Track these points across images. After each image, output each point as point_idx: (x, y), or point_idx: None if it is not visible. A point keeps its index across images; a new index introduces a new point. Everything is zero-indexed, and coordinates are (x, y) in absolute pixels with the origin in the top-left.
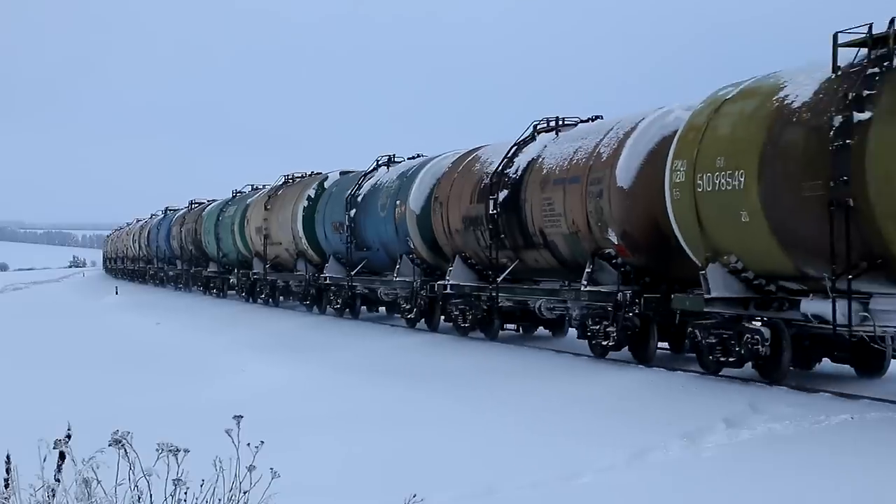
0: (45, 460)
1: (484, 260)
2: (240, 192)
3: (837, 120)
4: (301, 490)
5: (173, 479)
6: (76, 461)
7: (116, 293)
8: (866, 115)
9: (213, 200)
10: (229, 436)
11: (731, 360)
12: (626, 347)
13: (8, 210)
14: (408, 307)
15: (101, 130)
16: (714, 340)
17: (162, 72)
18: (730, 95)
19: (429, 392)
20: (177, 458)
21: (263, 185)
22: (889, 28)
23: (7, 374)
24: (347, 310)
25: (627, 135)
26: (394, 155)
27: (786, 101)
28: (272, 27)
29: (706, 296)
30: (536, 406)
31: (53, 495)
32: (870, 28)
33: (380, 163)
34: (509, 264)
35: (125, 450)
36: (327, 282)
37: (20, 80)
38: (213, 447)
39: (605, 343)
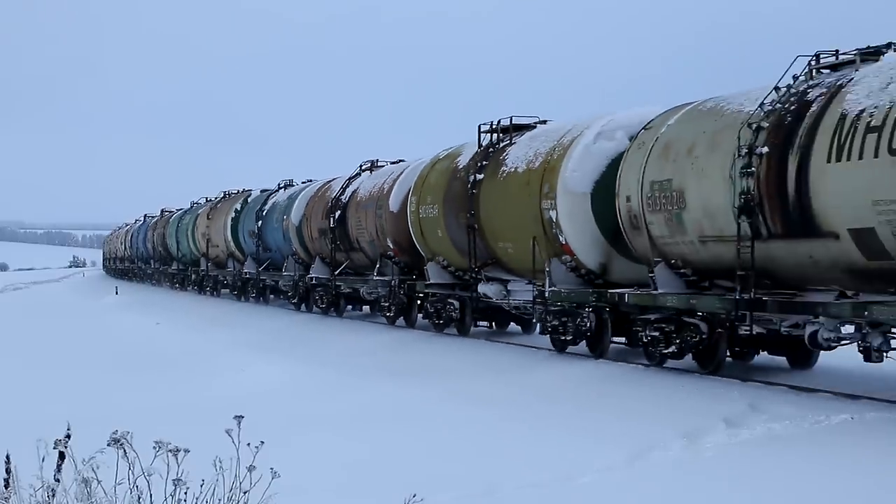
0: (44, 460)
1: (330, 260)
2: (196, 202)
3: (472, 178)
4: (301, 490)
5: (173, 479)
6: (76, 461)
7: (116, 293)
8: (481, 175)
9: (181, 209)
10: (229, 436)
11: (440, 322)
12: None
13: (8, 210)
14: (292, 294)
15: (102, 130)
16: (437, 308)
17: (162, 71)
18: (441, 156)
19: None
20: (177, 458)
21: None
22: (508, 123)
23: (7, 374)
24: (261, 297)
25: (397, 178)
26: (377, 160)
27: (458, 164)
28: (272, 27)
29: (427, 281)
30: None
31: (53, 495)
32: (498, 122)
33: (362, 166)
34: (344, 261)
35: (125, 450)
36: (247, 276)
37: (20, 80)
38: (213, 447)
39: (389, 314)
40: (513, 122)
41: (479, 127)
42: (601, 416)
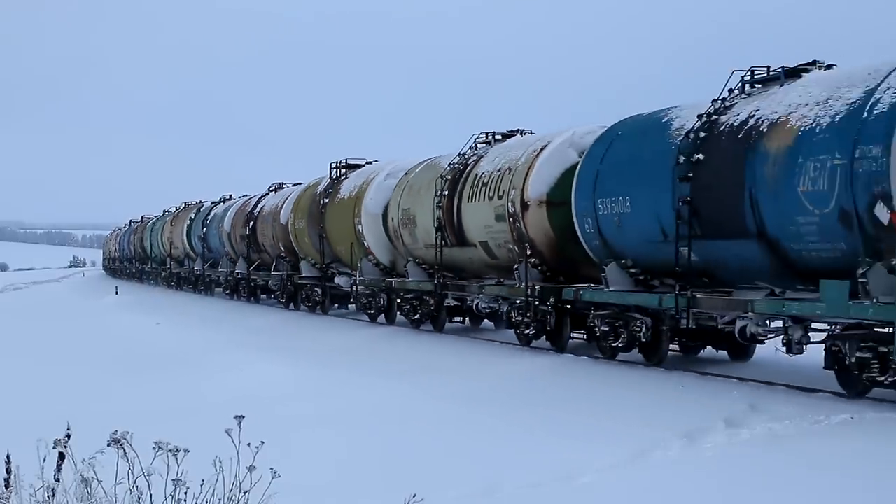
0: (44, 460)
1: (247, 259)
2: (167, 211)
3: (322, 201)
4: (301, 490)
5: (173, 479)
6: (76, 461)
7: (116, 293)
8: (327, 200)
9: (160, 214)
10: (229, 436)
11: (310, 305)
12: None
13: (8, 210)
14: (225, 286)
15: (102, 130)
16: (309, 294)
17: (162, 71)
18: (311, 185)
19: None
20: (176, 458)
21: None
22: (345, 163)
23: (8, 374)
24: (207, 290)
25: (287, 198)
26: (281, 183)
27: (317, 191)
28: (271, 26)
29: (300, 275)
30: None
31: (53, 495)
32: (341, 161)
33: (270, 187)
34: (256, 260)
35: (125, 450)
36: (197, 272)
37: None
38: (213, 447)
39: (282, 300)
40: (348, 163)
41: (331, 164)
42: (601, 415)
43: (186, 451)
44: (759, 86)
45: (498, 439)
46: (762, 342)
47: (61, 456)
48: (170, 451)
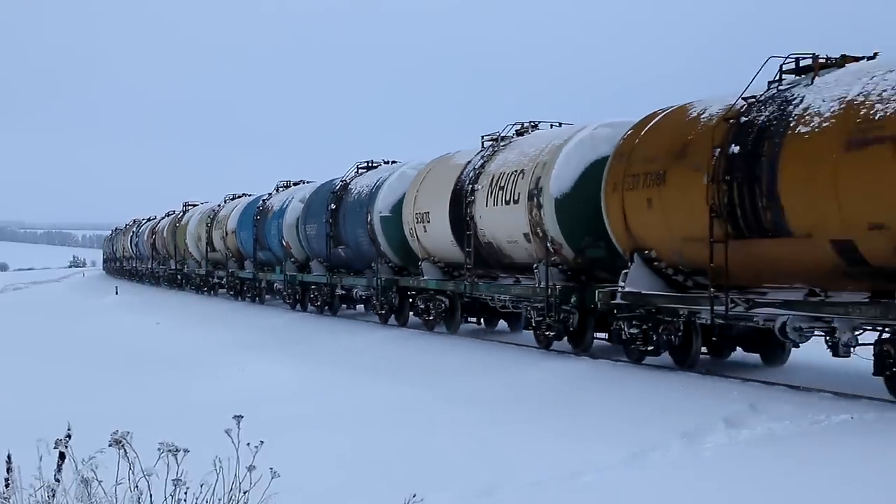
0: (44, 460)
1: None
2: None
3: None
4: (301, 490)
5: (173, 480)
6: (76, 461)
7: (116, 293)
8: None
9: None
10: (229, 436)
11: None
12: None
13: (8, 210)
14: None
15: (102, 130)
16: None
17: (161, 71)
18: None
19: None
20: (176, 458)
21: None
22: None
23: (8, 374)
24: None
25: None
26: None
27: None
28: (271, 25)
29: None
30: None
31: (53, 495)
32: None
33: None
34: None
35: (125, 450)
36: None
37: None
38: (214, 447)
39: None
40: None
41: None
42: (601, 415)
43: (186, 451)
44: None
45: (497, 439)
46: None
47: (61, 456)
48: (170, 451)
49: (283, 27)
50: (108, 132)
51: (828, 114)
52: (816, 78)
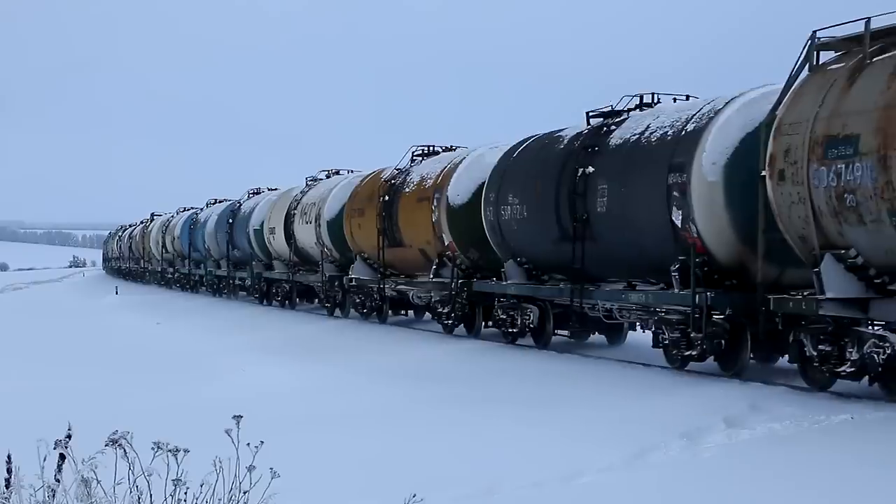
0: (45, 460)
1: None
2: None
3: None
4: (301, 490)
5: (173, 480)
6: (76, 461)
7: (116, 293)
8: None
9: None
10: (229, 436)
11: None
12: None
13: (8, 210)
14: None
15: (102, 130)
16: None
17: (161, 71)
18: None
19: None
20: (176, 458)
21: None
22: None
23: (8, 374)
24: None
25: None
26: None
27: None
28: (270, 25)
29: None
30: None
31: (53, 495)
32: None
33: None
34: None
35: (125, 450)
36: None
37: (20, 80)
38: (213, 447)
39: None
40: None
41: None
42: (601, 415)
43: (186, 451)
44: None
45: (499, 438)
46: None
47: (62, 456)
48: (170, 451)
49: (283, 27)
50: (109, 132)
51: None
52: None
